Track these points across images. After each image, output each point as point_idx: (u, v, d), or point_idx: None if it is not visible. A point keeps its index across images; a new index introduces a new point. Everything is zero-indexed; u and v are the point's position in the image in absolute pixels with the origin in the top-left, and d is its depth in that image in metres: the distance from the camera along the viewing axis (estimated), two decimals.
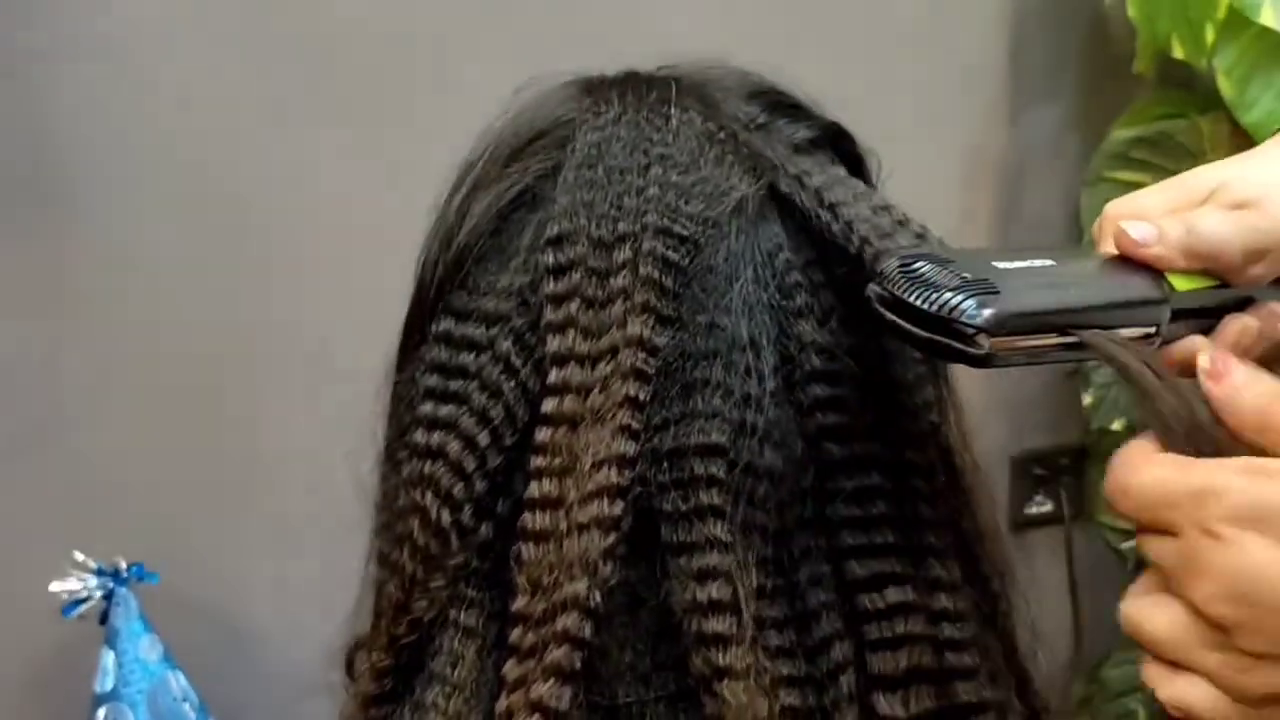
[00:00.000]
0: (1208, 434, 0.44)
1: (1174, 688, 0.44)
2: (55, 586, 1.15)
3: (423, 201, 0.58)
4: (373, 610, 0.55)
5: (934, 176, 1.47)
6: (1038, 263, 0.48)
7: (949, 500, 0.53)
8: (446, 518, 0.50)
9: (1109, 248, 0.51)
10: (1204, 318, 0.51)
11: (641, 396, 0.48)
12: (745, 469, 0.48)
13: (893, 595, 0.49)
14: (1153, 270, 0.50)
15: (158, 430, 1.25)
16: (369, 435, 0.58)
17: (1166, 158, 1.42)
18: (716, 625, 0.46)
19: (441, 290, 0.53)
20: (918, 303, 0.45)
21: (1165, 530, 0.44)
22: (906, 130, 1.41)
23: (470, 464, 0.50)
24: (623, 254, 0.49)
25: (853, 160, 0.57)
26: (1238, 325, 0.51)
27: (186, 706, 1.18)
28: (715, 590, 0.47)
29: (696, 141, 0.52)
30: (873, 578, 0.50)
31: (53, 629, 1.17)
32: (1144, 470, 0.44)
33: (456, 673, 0.49)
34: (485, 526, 0.50)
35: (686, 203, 0.50)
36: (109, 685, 1.16)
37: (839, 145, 0.57)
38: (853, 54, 1.39)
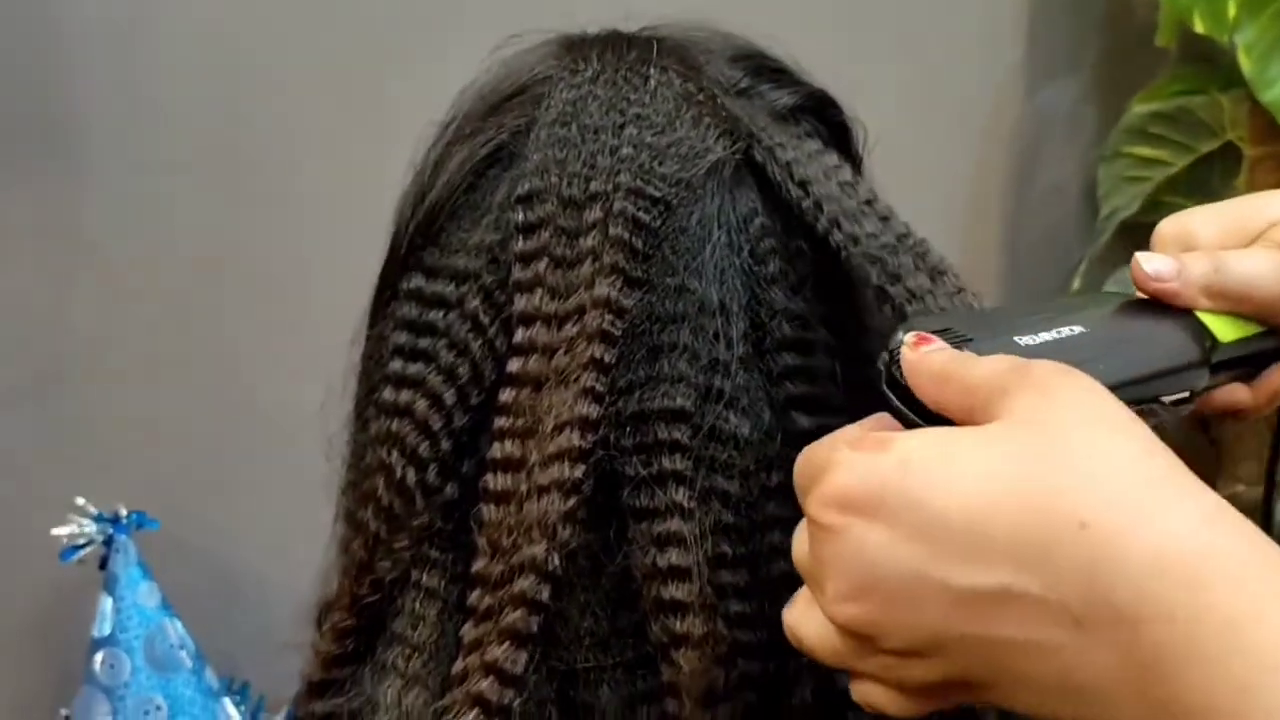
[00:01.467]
0: None
1: (858, 690, 0.41)
2: (55, 531, 1.16)
3: None
4: (339, 569, 0.55)
5: (950, 148, 1.45)
6: (1066, 331, 0.44)
7: None
8: (411, 476, 0.49)
9: None
10: (1249, 365, 0.48)
11: (607, 359, 0.47)
12: (710, 434, 0.48)
13: None
14: (1191, 316, 0.46)
15: (161, 379, 1.26)
16: (338, 391, 0.58)
17: (1185, 133, 1.41)
18: (675, 592, 0.46)
19: (414, 246, 0.53)
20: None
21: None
22: (923, 100, 1.40)
23: (436, 422, 0.49)
24: (593, 214, 0.49)
25: (838, 129, 0.56)
26: None
27: (183, 653, 1.19)
28: (675, 556, 0.46)
29: (674, 103, 0.51)
30: None
31: (53, 573, 1.18)
32: (799, 460, 0.41)
33: (417, 634, 0.49)
34: (450, 486, 0.49)
35: (660, 164, 0.49)
36: (106, 630, 1.17)
37: (823, 112, 0.56)
38: (871, 24, 1.37)
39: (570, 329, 0.48)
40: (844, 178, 0.51)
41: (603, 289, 0.47)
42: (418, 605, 0.49)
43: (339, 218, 1.24)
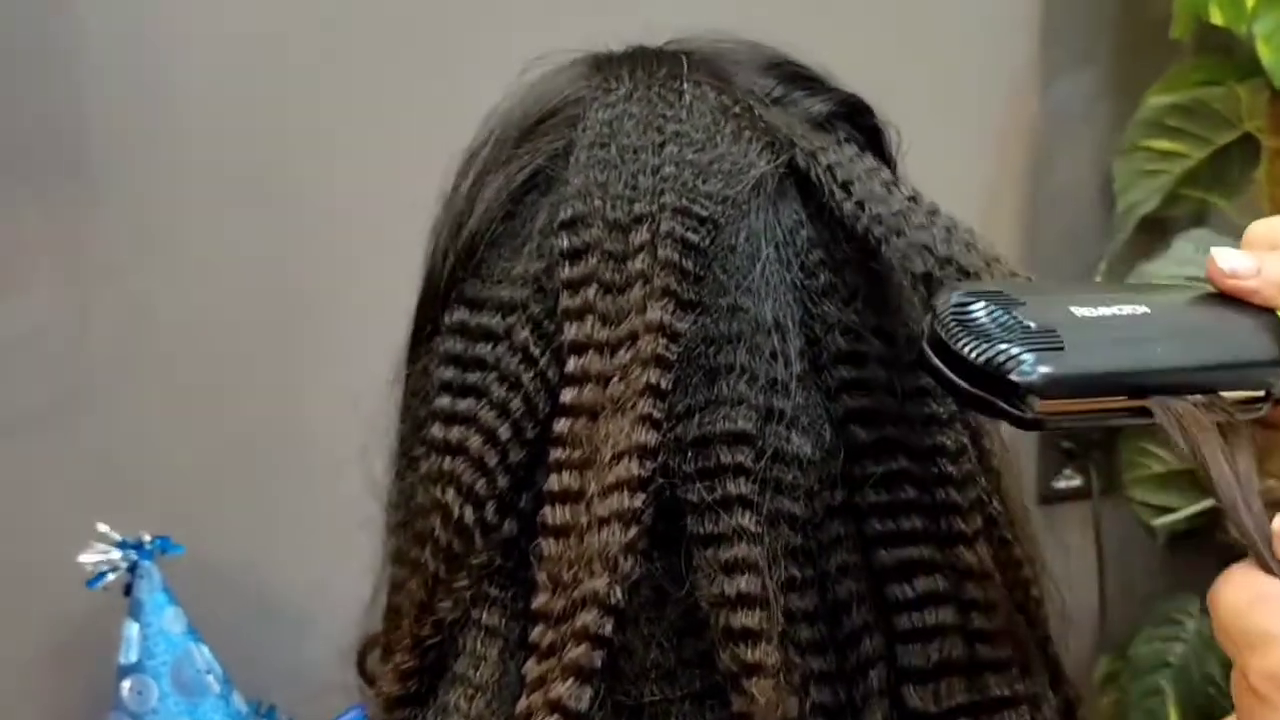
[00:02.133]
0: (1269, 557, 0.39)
1: None
2: (81, 558, 1.15)
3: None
4: (390, 609, 0.55)
5: (964, 143, 1.44)
6: (1128, 310, 0.42)
7: (977, 484, 0.51)
8: (469, 515, 0.48)
9: None
10: None
11: (663, 384, 0.46)
12: (773, 456, 0.47)
13: (922, 584, 0.48)
14: (1273, 316, 0.44)
15: (185, 403, 1.25)
16: (381, 428, 0.57)
17: (1202, 126, 1.40)
18: (745, 620, 0.45)
19: (454, 279, 0.52)
20: (965, 351, 0.40)
21: (1237, 663, 0.39)
22: (937, 96, 1.40)
23: (492, 459, 0.48)
24: (640, 236, 0.48)
25: (871, 133, 0.56)
26: None
27: (211, 678, 1.18)
28: (744, 583, 0.45)
29: (711, 117, 0.51)
30: (902, 565, 0.48)
31: (78, 600, 1.17)
32: (1228, 589, 0.39)
33: (479, 674, 0.48)
34: (508, 523, 0.49)
35: (704, 181, 0.49)
36: (133, 657, 1.17)
37: (857, 119, 0.55)
38: (881, 24, 1.37)
39: (624, 355, 0.47)
40: (885, 178, 0.50)
41: (655, 313, 0.47)
42: (479, 644, 0.49)
43: (373, 239, 1.24)
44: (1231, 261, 0.44)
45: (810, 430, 0.48)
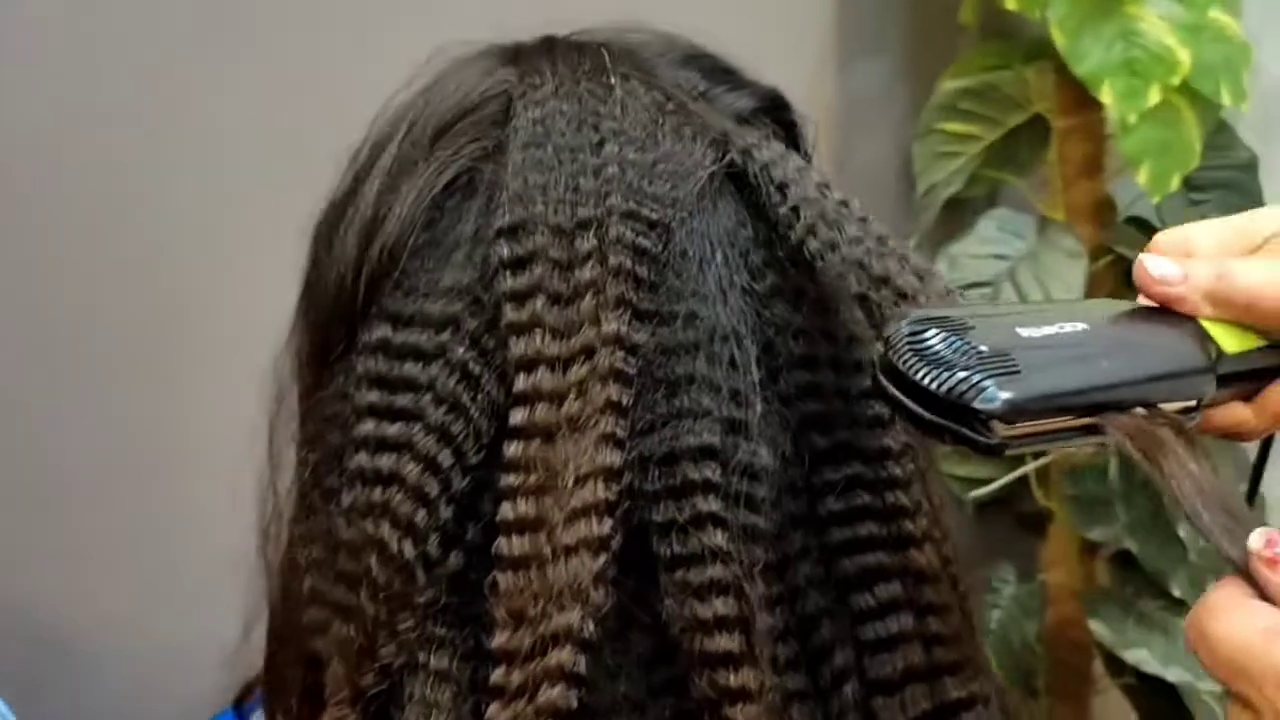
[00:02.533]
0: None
1: None
2: None
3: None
4: (295, 655, 0.51)
5: None
6: (1067, 327, 0.43)
7: (923, 485, 0.50)
8: (409, 550, 0.44)
9: None
10: (1252, 380, 0.47)
11: (624, 400, 0.44)
12: (738, 470, 0.45)
13: (883, 591, 0.47)
14: (1195, 324, 0.45)
15: None
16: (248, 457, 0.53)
17: (994, 108, 1.44)
18: (724, 643, 0.43)
19: (372, 292, 0.48)
20: (925, 382, 0.40)
21: (1243, 699, 0.38)
22: None
23: (432, 488, 0.45)
24: (587, 242, 0.45)
25: (789, 128, 0.54)
26: None
27: None
28: (720, 605, 0.43)
29: (648, 114, 0.48)
30: (863, 574, 0.47)
31: None
32: (1225, 621, 0.38)
33: None
34: (454, 556, 0.45)
35: (650, 183, 0.46)
36: None
37: (777, 113, 0.53)
38: (674, 10, 1.36)
39: (579, 370, 0.44)
40: (816, 179, 0.49)
41: (611, 324, 0.44)
42: (428, 690, 0.45)
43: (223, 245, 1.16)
44: (1161, 268, 0.45)
45: (770, 439, 0.46)
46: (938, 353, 0.41)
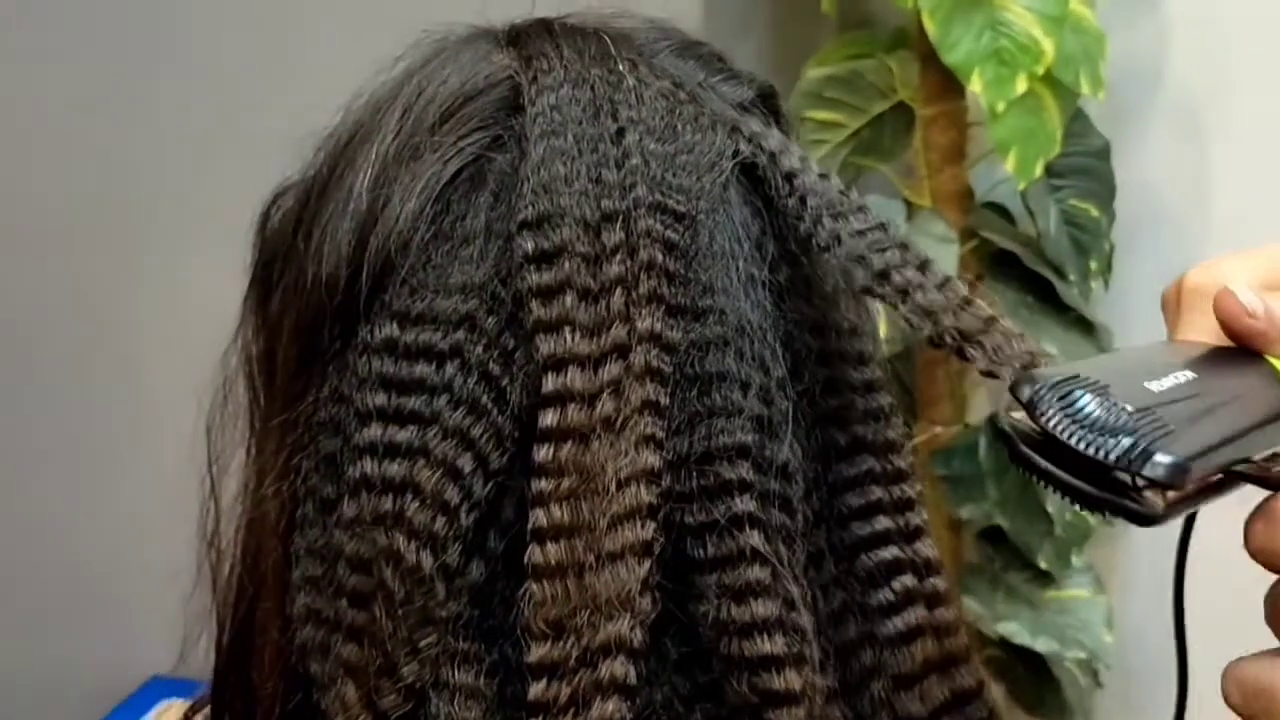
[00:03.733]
0: None
1: None
2: None
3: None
4: (239, 680, 0.48)
5: None
6: (1181, 377, 0.42)
7: (918, 475, 0.50)
8: (428, 561, 0.42)
9: (1190, 322, 0.46)
10: None
11: (662, 400, 0.42)
12: (769, 468, 0.44)
13: (899, 585, 0.47)
14: (1266, 362, 0.45)
15: None
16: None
17: (858, 96, 1.46)
18: (766, 646, 0.42)
19: (376, 289, 0.45)
20: (1090, 450, 0.38)
21: None
22: None
23: (452, 495, 0.42)
24: (614, 236, 0.43)
25: (778, 118, 0.53)
26: None
27: None
28: (759, 607, 0.42)
29: (664, 103, 0.46)
30: (882, 568, 0.47)
31: None
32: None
33: None
34: (475, 566, 0.43)
35: (673, 174, 0.45)
36: None
37: (769, 103, 0.52)
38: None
39: (613, 369, 0.42)
40: (815, 168, 0.48)
41: (645, 321, 0.42)
42: (455, 709, 0.42)
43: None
44: (1251, 300, 0.44)
45: (795, 437, 0.45)
46: (1095, 416, 0.39)
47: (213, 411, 0.52)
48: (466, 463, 0.43)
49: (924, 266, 0.46)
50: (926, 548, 0.48)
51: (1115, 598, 1.46)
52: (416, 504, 0.42)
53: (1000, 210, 1.50)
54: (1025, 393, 0.40)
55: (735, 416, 0.43)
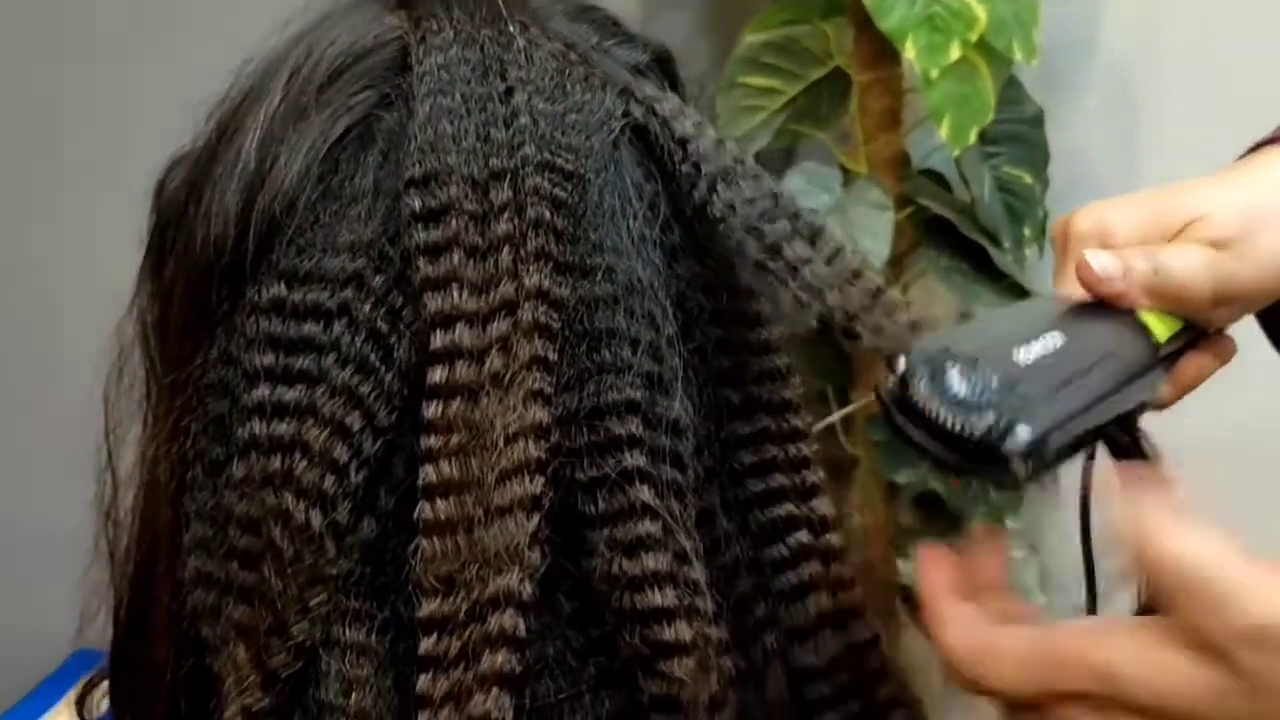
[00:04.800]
0: None
1: None
2: None
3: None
4: (139, 646, 0.49)
5: None
6: (1051, 342, 0.44)
7: (813, 435, 0.51)
8: (317, 519, 0.42)
9: (1070, 266, 0.48)
10: (1175, 358, 0.49)
11: (550, 356, 0.42)
12: (659, 425, 0.44)
13: (793, 541, 0.48)
14: (1133, 317, 0.47)
15: None
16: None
17: (795, 62, 1.46)
18: (655, 599, 0.43)
19: (261, 249, 0.45)
20: (954, 428, 0.40)
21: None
22: None
23: (341, 453, 0.43)
24: (502, 194, 0.44)
25: (674, 83, 0.53)
26: (1194, 366, 0.50)
27: None
28: (650, 561, 0.43)
29: (554, 63, 0.47)
30: (775, 525, 0.48)
31: None
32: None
33: (354, 699, 0.42)
34: (366, 524, 0.43)
35: (562, 133, 0.45)
36: None
37: (665, 67, 0.53)
38: None
39: (501, 326, 0.43)
40: (710, 134, 0.48)
41: (533, 278, 0.43)
42: (347, 666, 0.43)
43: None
44: (1105, 265, 0.46)
45: (688, 394, 0.46)
46: (960, 393, 0.41)
47: (109, 381, 0.52)
48: (355, 420, 0.43)
49: (815, 237, 0.47)
50: (822, 505, 0.49)
51: (1049, 559, 1.48)
52: (305, 463, 0.43)
53: (936, 177, 1.50)
54: (900, 366, 0.42)
55: (624, 373, 0.44)
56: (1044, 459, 0.41)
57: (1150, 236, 0.49)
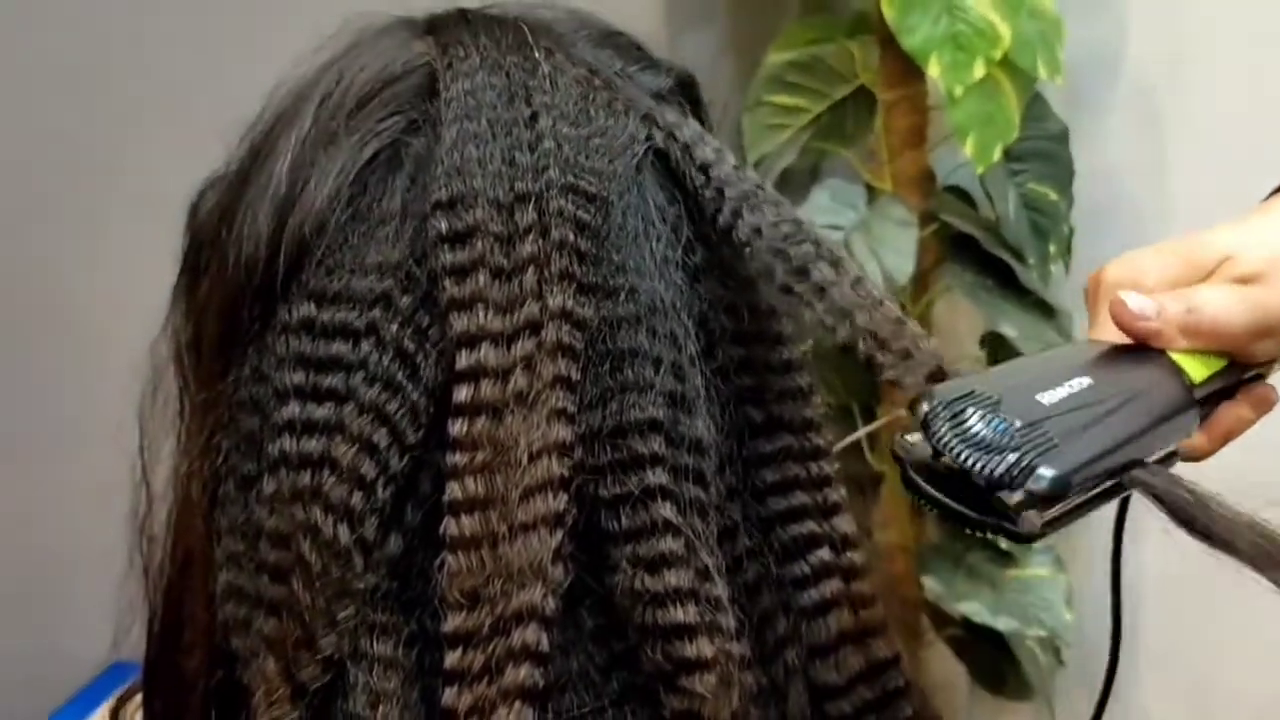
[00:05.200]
0: None
1: None
2: None
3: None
4: (172, 660, 0.49)
5: None
6: (1077, 385, 0.44)
7: (834, 454, 0.51)
8: (345, 535, 0.43)
9: (1103, 314, 0.49)
10: (1211, 404, 0.49)
11: (573, 375, 0.43)
12: (681, 443, 0.45)
13: (815, 559, 0.48)
14: (1167, 358, 0.47)
15: None
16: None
17: (820, 80, 1.47)
18: (678, 615, 0.43)
19: (292, 270, 0.46)
20: (974, 467, 0.40)
21: None
22: None
23: (369, 470, 0.43)
24: (527, 216, 0.44)
25: (696, 107, 0.54)
26: (1232, 416, 0.50)
27: None
28: (672, 577, 0.43)
29: (578, 89, 0.48)
30: (797, 542, 0.48)
31: None
32: None
33: (380, 711, 0.43)
34: (393, 539, 0.44)
35: (586, 157, 0.46)
36: None
37: (687, 93, 0.54)
38: None
39: (525, 346, 0.43)
40: (731, 159, 0.49)
41: (558, 299, 0.43)
42: (374, 679, 0.43)
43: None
44: (1140, 304, 0.47)
45: (709, 413, 0.46)
46: (980, 434, 0.41)
47: (144, 399, 0.53)
48: (382, 438, 0.44)
49: (837, 264, 0.48)
50: (844, 523, 0.50)
51: (1076, 577, 1.48)
52: (333, 479, 0.43)
53: (961, 194, 1.51)
54: (922, 410, 0.42)
55: (647, 392, 0.44)
56: (1065, 504, 0.41)
57: (1181, 280, 0.50)
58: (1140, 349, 0.48)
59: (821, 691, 0.48)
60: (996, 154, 1.33)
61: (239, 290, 0.47)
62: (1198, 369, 0.48)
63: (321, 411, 0.44)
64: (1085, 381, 0.44)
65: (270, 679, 0.44)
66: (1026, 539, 0.40)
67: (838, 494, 0.50)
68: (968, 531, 0.42)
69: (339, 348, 0.45)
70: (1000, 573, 1.44)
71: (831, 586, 0.48)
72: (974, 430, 0.41)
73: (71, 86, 1.08)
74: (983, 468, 0.40)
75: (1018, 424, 0.41)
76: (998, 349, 1.47)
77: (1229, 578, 0.42)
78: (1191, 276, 0.50)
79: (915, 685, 0.51)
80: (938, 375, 0.44)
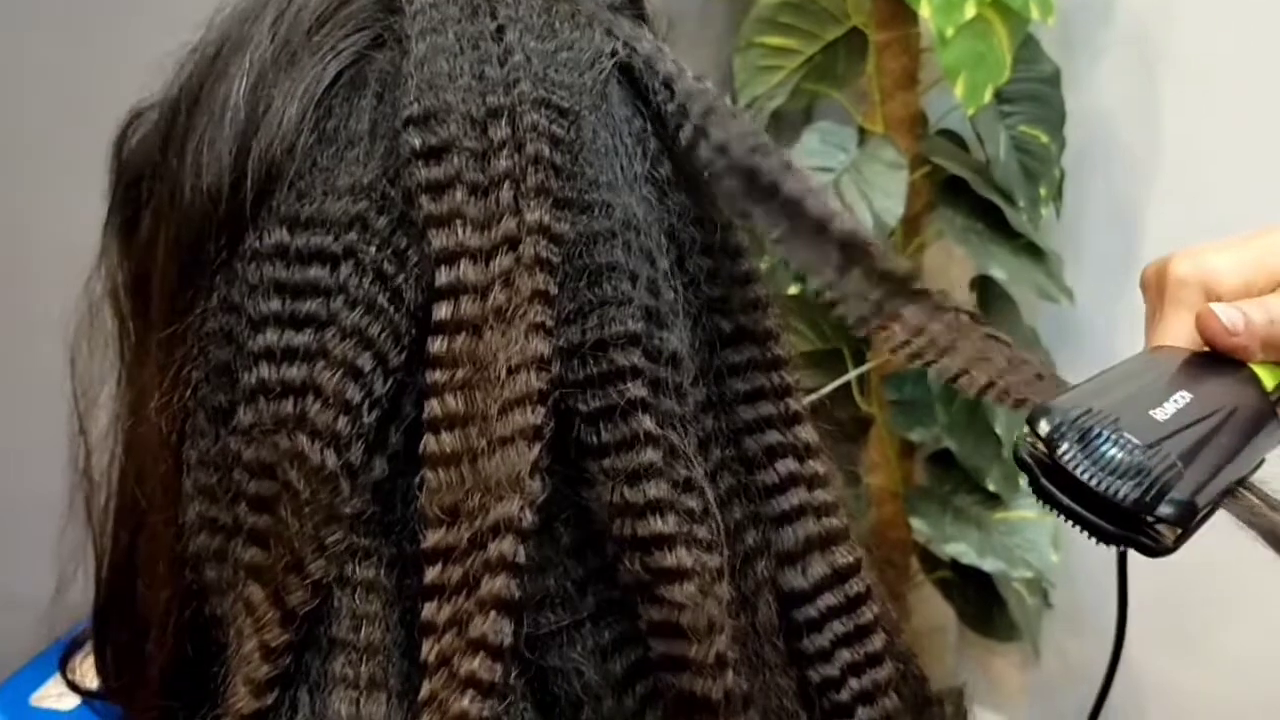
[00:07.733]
0: None
1: None
2: None
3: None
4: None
5: None
6: (1181, 400, 0.44)
7: (793, 363, 0.52)
8: (332, 460, 0.43)
9: (1178, 319, 0.49)
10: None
11: (550, 289, 0.43)
12: (658, 356, 0.45)
13: (782, 467, 0.48)
14: (1248, 370, 0.47)
15: None
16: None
17: (812, 21, 1.46)
18: (657, 525, 0.43)
19: (262, 196, 0.45)
20: (1105, 491, 0.40)
21: None
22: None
23: (355, 394, 0.43)
24: (500, 131, 0.44)
25: (644, 22, 0.54)
26: None
27: None
28: (652, 488, 0.43)
29: (541, 2, 0.47)
30: (766, 451, 0.48)
31: None
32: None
33: (364, 635, 0.43)
34: (377, 463, 0.44)
35: (555, 71, 0.46)
36: None
37: (636, 7, 0.53)
38: None
39: (504, 261, 0.43)
40: (691, 71, 0.49)
41: (534, 214, 0.43)
42: (358, 602, 0.43)
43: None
44: (1233, 319, 0.47)
45: (680, 326, 0.46)
46: (1111, 457, 0.41)
47: (77, 342, 0.52)
48: (366, 361, 0.43)
49: (803, 178, 0.48)
50: (805, 432, 0.50)
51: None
52: (318, 405, 0.43)
53: (953, 137, 1.50)
54: (1044, 428, 0.42)
55: (625, 306, 0.44)
56: (1192, 521, 0.41)
57: (1255, 281, 0.49)
58: (1219, 358, 0.48)
59: (789, 598, 0.48)
60: (987, 95, 1.32)
61: (201, 220, 0.46)
62: (1270, 378, 0.48)
63: (301, 338, 0.44)
64: (1186, 396, 0.45)
65: (257, 605, 0.44)
66: (1163, 552, 0.42)
67: (798, 403, 0.50)
68: (1099, 542, 0.42)
69: (316, 272, 0.44)
70: (987, 515, 1.45)
71: (798, 495, 0.48)
72: (1103, 452, 0.41)
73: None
74: (1115, 493, 0.41)
75: (1141, 444, 0.41)
76: (987, 292, 1.47)
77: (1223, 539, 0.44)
78: (1267, 279, 0.49)
79: (879, 591, 0.51)
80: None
